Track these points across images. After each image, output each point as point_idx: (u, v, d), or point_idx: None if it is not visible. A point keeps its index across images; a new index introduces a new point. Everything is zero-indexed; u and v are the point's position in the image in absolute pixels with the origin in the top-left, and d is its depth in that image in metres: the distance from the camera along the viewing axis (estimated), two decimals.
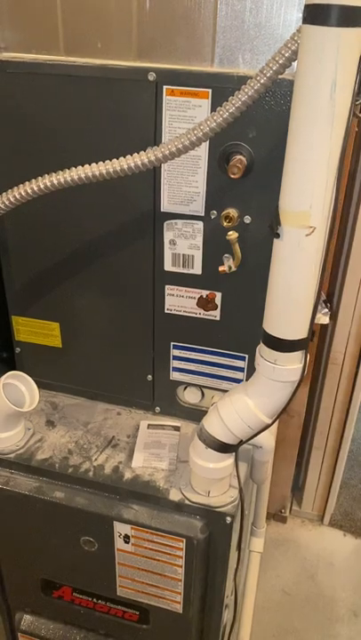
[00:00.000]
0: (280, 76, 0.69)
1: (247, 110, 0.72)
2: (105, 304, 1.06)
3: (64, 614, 1.19)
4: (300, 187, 0.69)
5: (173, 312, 1.02)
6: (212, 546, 0.98)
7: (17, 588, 1.20)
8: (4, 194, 0.85)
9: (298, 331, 0.79)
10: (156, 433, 1.10)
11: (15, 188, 0.84)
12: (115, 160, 0.77)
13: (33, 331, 1.14)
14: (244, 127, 0.82)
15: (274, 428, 0.97)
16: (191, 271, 0.97)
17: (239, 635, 1.37)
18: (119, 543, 1.01)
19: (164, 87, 0.83)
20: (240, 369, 1.04)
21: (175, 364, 1.08)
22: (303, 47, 0.63)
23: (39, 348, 1.15)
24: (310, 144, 0.66)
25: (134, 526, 0.98)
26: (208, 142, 0.83)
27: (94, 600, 1.13)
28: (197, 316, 1.01)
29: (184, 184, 0.89)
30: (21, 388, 1.01)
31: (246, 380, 1.02)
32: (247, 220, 0.89)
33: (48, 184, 0.81)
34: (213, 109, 0.74)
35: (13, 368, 1.16)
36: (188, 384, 1.10)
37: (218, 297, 0.98)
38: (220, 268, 0.93)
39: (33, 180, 0.82)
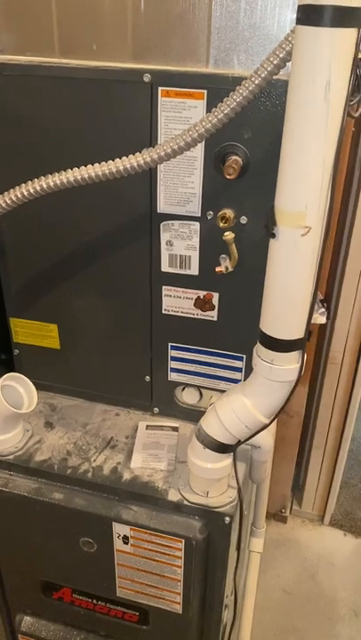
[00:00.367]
0: (275, 77, 0.70)
1: (242, 111, 0.72)
2: (102, 305, 1.06)
3: (64, 616, 1.19)
4: (295, 187, 0.69)
5: (171, 313, 1.02)
6: (211, 546, 0.98)
7: (17, 590, 1.20)
8: (0, 196, 0.85)
9: (295, 330, 0.79)
10: (155, 434, 1.10)
11: (11, 190, 0.84)
12: (111, 162, 0.78)
13: (31, 332, 1.14)
14: (239, 128, 0.82)
15: (272, 427, 0.97)
16: (188, 272, 0.97)
17: (240, 635, 1.37)
18: (118, 544, 1.01)
19: (160, 88, 0.83)
20: (238, 369, 1.04)
21: (173, 364, 1.08)
22: (297, 48, 0.63)
23: (37, 349, 1.15)
24: (305, 144, 0.66)
25: (133, 527, 0.98)
26: (204, 143, 0.83)
27: (94, 601, 1.13)
28: (195, 316, 1.01)
29: (180, 185, 0.89)
30: (20, 389, 1.02)
31: (244, 380, 1.02)
32: (243, 220, 0.89)
33: (44, 186, 0.81)
34: (209, 110, 0.74)
35: (12, 370, 1.16)
36: (186, 385, 1.11)
37: (215, 297, 0.98)
38: (217, 269, 0.93)
39: (29, 182, 0.83)
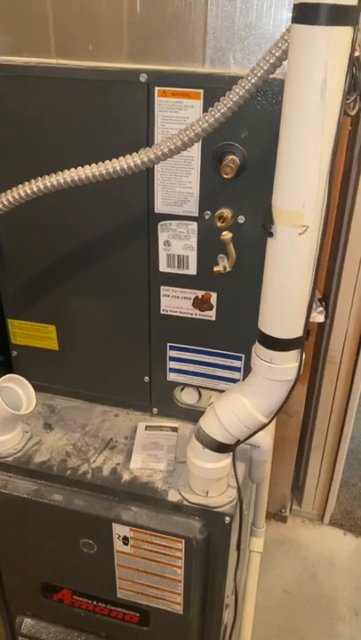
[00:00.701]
0: (271, 76, 0.70)
1: (239, 110, 0.72)
2: (101, 306, 1.06)
3: (64, 617, 1.19)
4: (292, 186, 0.69)
5: (169, 313, 1.02)
6: (211, 546, 0.98)
7: (17, 592, 1.20)
8: None
9: (293, 329, 0.79)
10: (154, 434, 1.10)
11: (8, 191, 0.84)
12: (108, 162, 0.78)
13: (29, 334, 1.14)
14: (236, 127, 0.82)
15: (271, 427, 0.97)
16: (186, 272, 0.97)
17: (240, 635, 1.37)
18: (118, 545, 1.01)
19: (156, 88, 0.83)
20: (237, 369, 1.04)
21: (172, 364, 1.08)
22: (293, 46, 0.63)
23: (36, 350, 1.15)
24: (302, 143, 0.66)
25: (133, 528, 0.98)
26: (201, 143, 0.83)
27: (94, 603, 1.13)
28: (193, 316, 1.01)
29: (177, 185, 0.89)
30: (18, 391, 1.01)
31: (243, 379, 1.02)
32: (241, 219, 0.89)
33: (42, 187, 0.81)
34: (205, 110, 0.74)
35: (10, 371, 1.16)
36: (185, 385, 1.10)
37: (213, 297, 0.98)
38: (215, 269, 0.93)
39: (26, 183, 0.83)
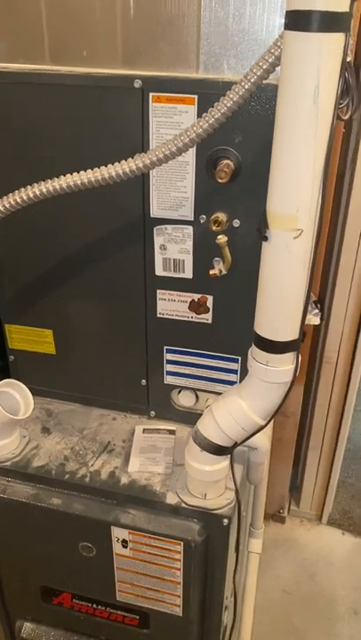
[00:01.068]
0: (265, 81, 0.70)
1: (233, 115, 0.72)
2: (97, 310, 1.06)
3: (64, 621, 1.19)
4: (286, 190, 0.70)
5: (166, 316, 1.03)
6: (210, 548, 0.98)
7: (17, 596, 1.20)
8: None
9: (289, 332, 0.79)
10: (152, 437, 1.10)
11: (4, 197, 0.84)
12: (103, 167, 0.78)
13: (26, 338, 1.14)
14: (230, 132, 0.82)
15: (269, 429, 0.97)
16: (182, 275, 0.98)
17: (240, 636, 1.38)
18: (117, 548, 1.01)
19: (151, 94, 0.83)
20: (233, 371, 1.05)
21: (169, 367, 1.09)
22: (286, 53, 0.64)
23: (33, 355, 1.15)
24: (295, 148, 0.67)
25: (132, 531, 0.98)
26: (195, 148, 0.83)
27: (94, 606, 1.13)
28: (190, 319, 1.02)
29: (173, 189, 0.90)
30: (16, 395, 1.02)
31: (240, 382, 1.02)
32: (236, 223, 0.90)
33: (37, 193, 0.81)
34: (200, 115, 0.74)
35: (7, 376, 1.16)
36: (183, 387, 1.11)
37: (209, 300, 0.99)
38: (211, 272, 0.94)
39: (22, 189, 0.83)
